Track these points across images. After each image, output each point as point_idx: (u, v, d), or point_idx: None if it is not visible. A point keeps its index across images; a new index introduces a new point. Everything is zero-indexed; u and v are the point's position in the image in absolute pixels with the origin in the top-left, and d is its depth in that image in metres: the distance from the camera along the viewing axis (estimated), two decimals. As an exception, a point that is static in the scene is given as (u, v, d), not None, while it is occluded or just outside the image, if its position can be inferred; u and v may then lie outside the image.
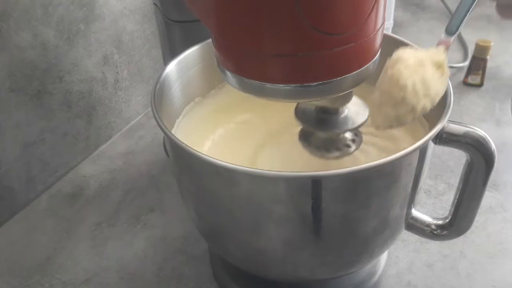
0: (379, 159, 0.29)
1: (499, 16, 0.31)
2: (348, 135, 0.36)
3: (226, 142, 0.44)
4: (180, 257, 0.50)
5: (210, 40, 0.39)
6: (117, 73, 0.64)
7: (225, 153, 0.42)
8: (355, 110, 0.35)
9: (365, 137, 0.37)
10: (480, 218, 0.38)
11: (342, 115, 0.35)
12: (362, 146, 0.36)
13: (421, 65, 0.31)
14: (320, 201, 0.31)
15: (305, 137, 0.36)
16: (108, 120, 0.66)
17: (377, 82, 0.32)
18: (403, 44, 0.40)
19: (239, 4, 0.26)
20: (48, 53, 0.54)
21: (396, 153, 0.29)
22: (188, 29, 0.49)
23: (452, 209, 0.38)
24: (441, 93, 0.32)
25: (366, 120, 0.34)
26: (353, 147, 0.36)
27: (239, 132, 0.45)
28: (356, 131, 0.36)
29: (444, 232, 0.39)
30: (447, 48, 0.33)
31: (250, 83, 0.30)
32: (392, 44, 0.40)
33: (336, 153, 0.35)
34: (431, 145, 0.33)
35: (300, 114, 0.35)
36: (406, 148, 0.29)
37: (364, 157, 0.39)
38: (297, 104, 0.36)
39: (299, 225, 0.33)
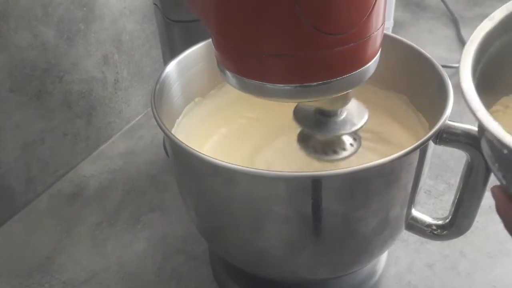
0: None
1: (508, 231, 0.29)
2: (347, 138, 0.36)
3: (226, 142, 0.44)
4: (180, 257, 0.50)
5: (210, 40, 0.39)
6: (117, 73, 0.64)
7: (225, 153, 0.42)
8: (354, 113, 0.35)
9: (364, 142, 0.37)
10: (480, 218, 0.38)
11: (341, 118, 0.35)
12: (361, 150, 0.36)
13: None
14: (320, 201, 0.31)
15: (303, 139, 0.36)
16: (108, 120, 0.66)
17: None
18: (403, 44, 0.40)
19: (239, 4, 0.26)
20: (48, 53, 0.54)
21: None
22: (188, 29, 0.49)
23: (452, 209, 0.38)
24: None
25: (365, 123, 0.34)
26: (352, 150, 0.36)
27: (239, 132, 0.45)
28: (355, 134, 0.36)
29: (444, 232, 0.39)
30: None
31: (250, 83, 0.30)
32: (392, 44, 0.40)
33: (334, 156, 0.35)
34: (431, 145, 0.33)
35: (299, 116, 0.35)
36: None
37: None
38: (296, 106, 0.36)
39: (299, 225, 0.33)
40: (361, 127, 0.34)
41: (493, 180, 0.30)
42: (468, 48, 0.28)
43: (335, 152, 0.35)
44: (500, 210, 0.29)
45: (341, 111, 0.34)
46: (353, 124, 0.34)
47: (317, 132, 0.35)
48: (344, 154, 0.35)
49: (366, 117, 0.35)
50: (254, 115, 0.46)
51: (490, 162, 0.27)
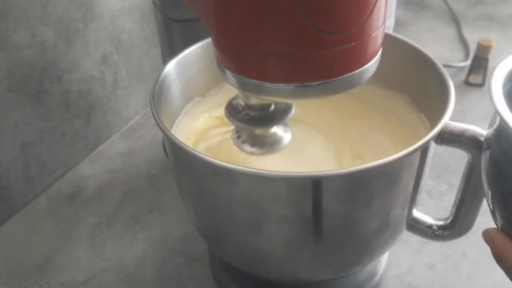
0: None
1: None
2: (278, 130, 0.36)
3: (226, 141, 0.43)
4: (179, 257, 0.50)
5: (209, 39, 0.39)
6: (116, 72, 0.64)
7: (225, 152, 0.41)
8: (282, 105, 0.35)
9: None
10: (481, 218, 0.38)
11: (269, 111, 0.35)
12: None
13: None
14: (320, 202, 0.31)
15: (237, 134, 0.37)
16: (107, 120, 0.65)
17: None
18: (404, 44, 0.40)
19: (239, 3, 0.26)
20: (47, 52, 0.54)
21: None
22: (187, 28, 0.49)
23: (454, 210, 0.38)
24: None
25: (293, 114, 0.35)
26: (283, 143, 0.36)
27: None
28: (285, 127, 0.37)
29: (446, 233, 0.39)
30: None
31: (250, 83, 0.29)
32: (393, 44, 0.40)
33: (266, 149, 0.36)
34: (433, 145, 0.33)
35: (229, 111, 0.35)
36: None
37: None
38: (228, 102, 0.36)
39: (299, 226, 0.33)
40: (290, 116, 0.35)
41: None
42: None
43: (265, 144, 0.36)
44: (501, 256, 0.27)
45: (269, 105, 0.35)
46: (282, 116, 0.35)
47: (247, 126, 0.35)
48: (275, 146, 0.36)
49: (293, 108, 0.35)
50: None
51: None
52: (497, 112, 0.26)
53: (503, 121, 0.25)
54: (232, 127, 0.37)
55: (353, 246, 0.35)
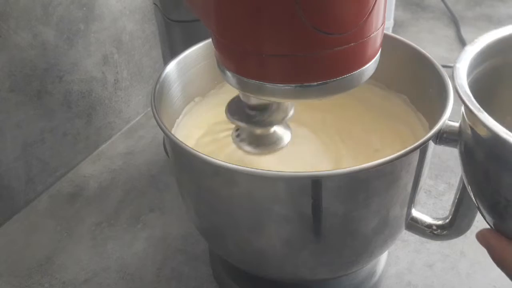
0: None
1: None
2: (278, 130, 0.36)
3: (226, 141, 0.44)
4: (180, 257, 0.50)
5: (210, 40, 0.39)
6: (117, 73, 0.64)
7: (225, 152, 0.42)
8: (282, 105, 0.35)
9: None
10: (480, 217, 0.38)
11: (271, 111, 0.35)
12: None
13: None
14: (320, 201, 0.31)
15: (237, 134, 0.37)
16: (108, 120, 0.65)
17: None
18: (403, 44, 0.40)
19: (239, 4, 0.26)
20: (48, 53, 0.54)
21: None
22: (188, 29, 0.49)
23: (453, 209, 0.38)
24: None
25: (293, 114, 0.35)
26: (283, 142, 0.36)
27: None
28: (286, 126, 0.37)
29: (445, 232, 0.39)
30: None
31: (250, 83, 0.30)
32: (392, 44, 0.40)
33: (266, 148, 0.36)
34: (431, 144, 0.33)
35: (231, 110, 0.36)
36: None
37: None
38: (229, 101, 0.36)
39: (299, 225, 0.33)
40: (290, 117, 0.35)
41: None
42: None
43: (266, 144, 0.36)
44: (498, 256, 0.27)
45: (270, 105, 0.35)
46: (283, 116, 0.35)
47: (248, 125, 0.35)
48: (275, 146, 0.36)
49: (293, 109, 0.36)
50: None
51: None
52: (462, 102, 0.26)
53: (466, 109, 0.26)
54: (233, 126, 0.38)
55: (353, 245, 0.35)
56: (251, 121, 0.35)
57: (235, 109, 0.36)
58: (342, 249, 0.35)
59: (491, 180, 0.27)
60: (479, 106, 0.25)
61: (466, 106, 0.26)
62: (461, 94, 0.26)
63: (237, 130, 0.37)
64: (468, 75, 0.28)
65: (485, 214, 0.29)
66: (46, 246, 0.52)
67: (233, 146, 0.37)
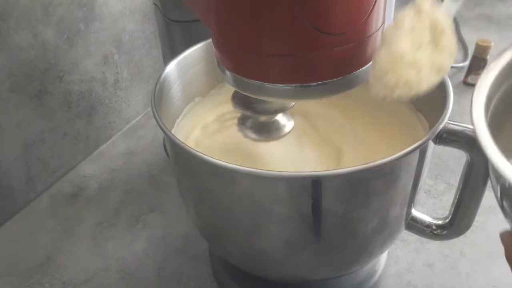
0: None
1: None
2: (281, 118, 0.37)
3: (226, 141, 0.44)
4: (180, 257, 0.50)
5: (210, 40, 0.39)
6: (117, 73, 0.64)
7: (225, 152, 0.42)
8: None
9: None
10: (480, 217, 0.38)
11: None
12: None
13: (418, 31, 0.28)
14: (320, 201, 0.31)
15: (242, 121, 0.38)
16: (108, 120, 0.66)
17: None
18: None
19: (239, 4, 0.26)
20: (48, 53, 0.54)
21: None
22: (188, 29, 0.49)
23: (452, 209, 0.38)
24: (445, 65, 0.29)
25: (293, 104, 0.36)
26: (285, 130, 0.37)
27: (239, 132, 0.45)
28: (288, 115, 0.37)
29: (444, 232, 0.39)
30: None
31: (250, 83, 0.30)
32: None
33: (269, 135, 0.37)
34: (431, 145, 0.33)
35: (236, 99, 0.36)
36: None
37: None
38: (234, 92, 0.37)
39: (299, 225, 0.33)
40: (292, 106, 0.36)
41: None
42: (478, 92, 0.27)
43: (270, 131, 0.37)
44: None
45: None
46: (286, 105, 0.35)
47: (253, 114, 0.36)
48: (279, 133, 0.37)
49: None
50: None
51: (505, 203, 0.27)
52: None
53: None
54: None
55: (353, 245, 0.35)
56: (255, 109, 0.35)
57: (241, 99, 0.36)
58: (342, 249, 0.35)
59: None
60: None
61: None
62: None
63: (242, 118, 0.38)
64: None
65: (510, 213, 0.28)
66: (46, 246, 0.52)
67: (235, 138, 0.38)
